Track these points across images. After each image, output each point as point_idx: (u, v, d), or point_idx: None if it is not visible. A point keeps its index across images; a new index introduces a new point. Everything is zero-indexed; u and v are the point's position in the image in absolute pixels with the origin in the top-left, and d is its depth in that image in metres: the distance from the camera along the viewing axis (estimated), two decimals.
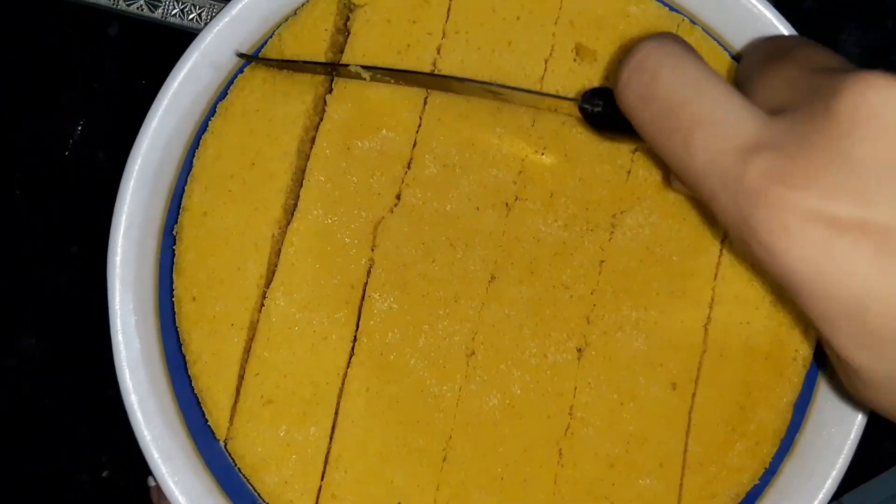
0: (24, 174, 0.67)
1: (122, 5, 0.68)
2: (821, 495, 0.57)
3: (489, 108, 0.59)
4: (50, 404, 0.65)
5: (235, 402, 0.57)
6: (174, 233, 0.58)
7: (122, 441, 0.55)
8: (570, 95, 0.57)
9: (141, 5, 0.69)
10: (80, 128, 0.68)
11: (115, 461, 0.64)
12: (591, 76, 0.59)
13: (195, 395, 0.57)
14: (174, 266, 0.57)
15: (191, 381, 0.57)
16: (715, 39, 0.60)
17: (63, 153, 0.68)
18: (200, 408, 0.57)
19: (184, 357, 0.57)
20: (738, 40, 0.60)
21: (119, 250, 0.57)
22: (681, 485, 0.57)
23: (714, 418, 0.57)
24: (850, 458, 0.57)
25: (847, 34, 0.68)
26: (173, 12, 0.69)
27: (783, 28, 0.59)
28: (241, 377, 0.57)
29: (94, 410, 0.60)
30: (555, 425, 0.57)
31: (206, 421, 0.57)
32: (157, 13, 0.68)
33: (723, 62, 0.60)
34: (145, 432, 0.56)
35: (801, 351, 0.57)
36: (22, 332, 0.66)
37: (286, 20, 0.60)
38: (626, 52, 0.46)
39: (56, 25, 0.69)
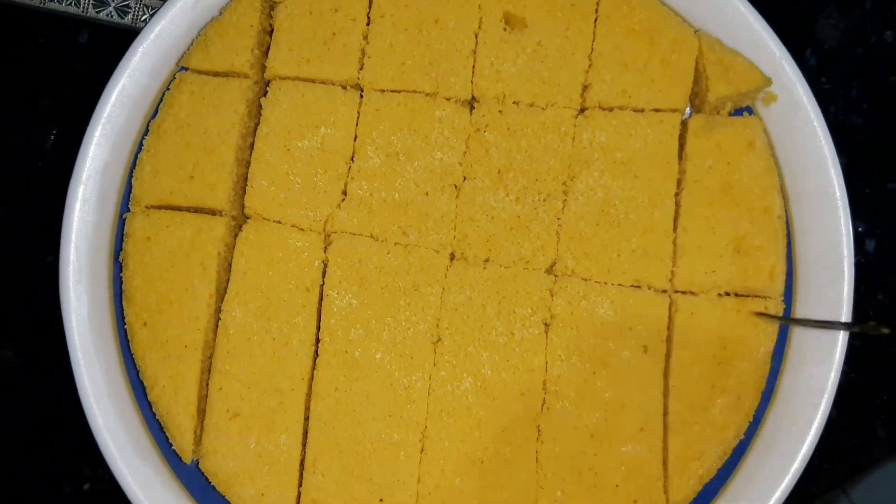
0: None
1: (92, 13, 0.67)
2: (808, 440, 0.55)
3: (426, 93, 0.58)
4: (30, 417, 0.64)
5: (201, 420, 0.56)
6: (120, 260, 0.57)
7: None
8: None
9: (110, 12, 0.67)
10: (52, 137, 0.67)
11: (97, 472, 0.64)
12: (524, 44, 0.58)
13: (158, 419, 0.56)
14: (122, 293, 0.57)
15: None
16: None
17: (36, 163, 0.67)
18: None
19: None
20: None
21: (71, 284, 0.57)
22: (665, 448, 0.56)
23: (692, 377, 0.56)
24: (832, 400, 0.55)
25: (826, 16, 0.66)
26: (143, 18, 0.67)
27: None
28: (203, 395, 0.56)
29: (74, 422, 0.59)
30: (530, 402, 0.56)
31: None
32: (127, 19, 0.67)
33: (652, 7, 0.58)
34: (118, 460, 0.55)
35: (773, 298, 0.56)
36: None
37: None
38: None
39: (25, 34, 0.68)
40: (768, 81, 0.57)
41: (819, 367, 0.56)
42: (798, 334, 0.57)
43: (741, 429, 0.56)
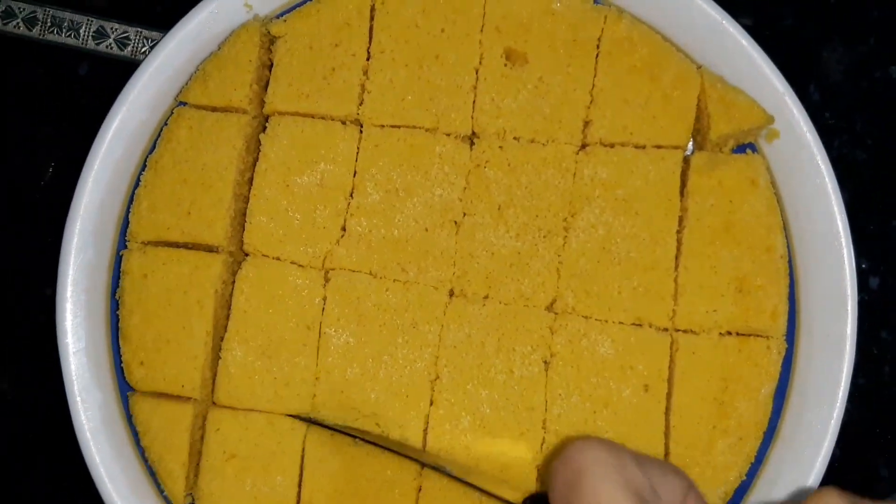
0: None
1: (92, 45, 0.67)
2: (810, 481, 0.55)
3: (426, 128, 0.58)
4: (25, 452, 0.64)
5: (195, 462, 0.56)
6: (117, 297, 0.57)
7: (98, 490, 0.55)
8: (511, 498, 0.52)
9: (110, 44, 0.68)
10: (51, 170, 0.67)
11: None
12: (525, 80, 0.58)
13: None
14: (119, 331, 0.56)
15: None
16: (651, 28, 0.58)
17: (35, 195, 0.67)
18: None
19: None
20: (666, 23, 0.58)
21: (68, 318, 0.57)
22: None
23: (693, 417, 0.55)
24: (835, 440, 0.55)
25: (829, 51, 0.65)
26: (143, 50, 0.68)
27: (709, 7, 0.57)
28: (199, 438, 0.56)
29: (70, 459, 0.59)
30: (530, 442, 0.55)
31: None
32: (127, 51, 0.67)
33: (653, 43, 0.58)
34: (115, 499, 0.55)
35: (775, 338, 0.55)
36: None
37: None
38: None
39: (25, 66, 0.68)
40: (770, 120, 0.56)
41: (822, 408, 0.55)
42: (800, 374, 0.56)
43: (743, 470, 0.55)
